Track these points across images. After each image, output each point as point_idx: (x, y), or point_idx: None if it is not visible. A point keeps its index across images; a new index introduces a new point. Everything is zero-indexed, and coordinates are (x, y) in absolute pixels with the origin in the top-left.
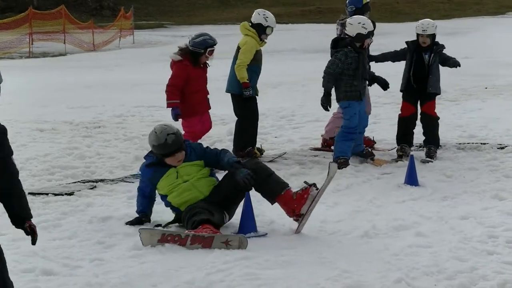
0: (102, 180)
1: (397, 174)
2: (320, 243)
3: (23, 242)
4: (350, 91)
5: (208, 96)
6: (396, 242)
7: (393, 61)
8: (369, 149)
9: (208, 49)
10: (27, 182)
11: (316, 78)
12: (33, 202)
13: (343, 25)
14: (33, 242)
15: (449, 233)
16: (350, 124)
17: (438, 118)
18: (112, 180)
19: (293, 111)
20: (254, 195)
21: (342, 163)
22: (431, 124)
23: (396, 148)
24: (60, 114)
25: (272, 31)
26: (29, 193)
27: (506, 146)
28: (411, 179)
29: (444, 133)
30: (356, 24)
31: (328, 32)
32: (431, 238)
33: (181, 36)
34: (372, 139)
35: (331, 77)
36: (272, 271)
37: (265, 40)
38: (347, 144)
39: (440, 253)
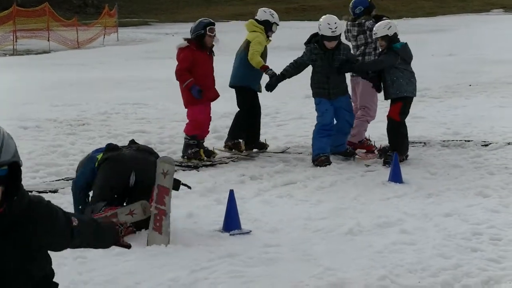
0: None
1: (381, 171)
2: (304, 240)
3: None
4: (318, 87)
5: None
6: (380, 239)
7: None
8: (352, 149)
9: (207, 27)
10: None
11: (300, 75)
12: None
13: (360, 25)
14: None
15: (433, 230)
16: (323, 121)
17: (399, 122)
18: None
19: (277, 108)
20: (238, 192)
21: (322, 161)
22: (390, 127)
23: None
24: (44, 112)
25: (276, 28)
26: None
27: (490, 143)
28: (395, 176)
29: (429, 130)
30: (325, 24)
31: (312, 29)
32: (415, 235)
33: (165, 33)
34: (373, 144)
35: (293, 65)
36: (256, 269)
37: (270, 37)
38: (324, 140)
39: (424, 250)
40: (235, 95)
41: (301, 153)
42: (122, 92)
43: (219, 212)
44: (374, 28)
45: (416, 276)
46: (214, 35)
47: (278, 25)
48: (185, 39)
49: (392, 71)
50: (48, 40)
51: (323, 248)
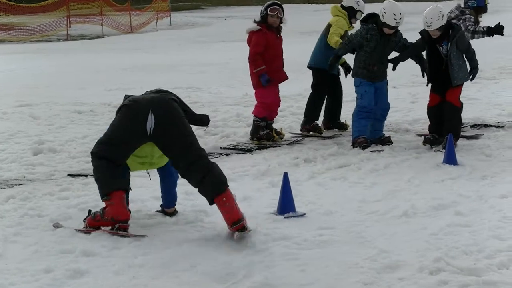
0: None
1: (436, 153)
2: (358, 223)
3: (63, 223)
4: (362, 68)
5: None
6: (435, 221)
7: (417, 54)
8: (388, 137)
9: (269, 8)
10: (66, 164)
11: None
12: (72, 184)
13: (462, 12)
14: None
15: (489, 212)
16: (362, 103)
17: (460, 108)
18: None
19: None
20: (292, 175)
21: (361, 142)
22: (451, 113)
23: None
24: (98, 96)
25: (361, 16)
26: (68, 175)
27: None
28: (450, 158)
29: (483, 112)
30: (391, 14)
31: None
32: (470, 217)
33: (218, 17)
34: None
35: (346, 45)
36: (311, 251)
37: (353, 24)
38: (362, 123)
39: (479, 232)
40: (312, 76)
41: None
42: (175, 76)
43: (273, 195)
44: (426, 19)
45: (471, 258)
46: (277, 15)
47: (363, 13)
48: (255, 22)
49: (460, 56)
50: (102, 25)
51: (377, 231)
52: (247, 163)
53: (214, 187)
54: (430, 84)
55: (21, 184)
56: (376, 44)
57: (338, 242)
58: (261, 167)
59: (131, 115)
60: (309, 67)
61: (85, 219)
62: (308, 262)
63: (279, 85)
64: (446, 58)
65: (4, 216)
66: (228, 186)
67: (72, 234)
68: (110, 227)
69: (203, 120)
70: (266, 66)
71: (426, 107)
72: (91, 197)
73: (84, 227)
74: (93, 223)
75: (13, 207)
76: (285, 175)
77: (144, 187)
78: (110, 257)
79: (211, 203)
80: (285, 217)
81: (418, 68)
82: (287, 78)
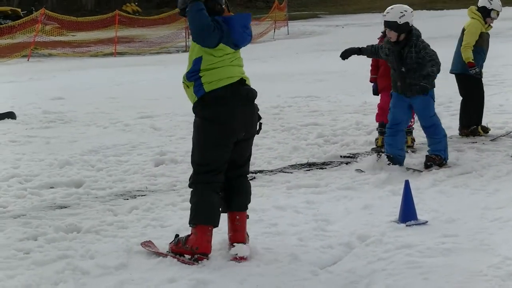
0: (261, 171)
1: None
2: (482, 230)
3: (185, 233)
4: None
5: None
6: None
7: None
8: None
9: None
10: (187, 174)
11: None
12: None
13: None
14: None
15: None
16: (388, 117)
17: None
18: (271, 171)
19: (450, 97)
20: (413, 183)
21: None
22: None
23: None
24: None
25: (497, 14)
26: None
27: None
28: None
29: None
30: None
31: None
32: None
33: (335, 25)
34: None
35: (369, 48)
36: (434, 259)
37: (490, 24)
38: (385, 140)
39: None
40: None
41: (475, 142)
42: (294, 85)
43: (395, 203)
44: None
45: None
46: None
47: (498, 11)
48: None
49: None
50: None
51: (501, 238)
52: (367, 172)
53: (234, 203)
54: None
55: (144, 195)
56: (387, 56)
57: (461, 250)
58: (382, 175)
59: None
60: (451, 72)
61: (171, 242)
62: (431, 270)
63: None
64: None
65: (128, 226)
66: (247, 208)
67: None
68: (189, 256)
69: None
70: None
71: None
72: None
73: (167, 251)
74: (175, 249)
75: (137, 217)
76: (407, 183)
77: (264, 197)
78: (235, 266)
79: (223, 212)
80: (407, 225)
81: None
82: None
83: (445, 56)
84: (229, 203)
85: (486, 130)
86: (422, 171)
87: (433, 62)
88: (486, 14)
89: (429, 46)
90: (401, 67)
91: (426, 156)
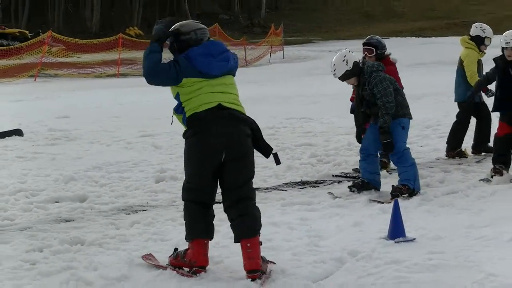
0: (256, 189)
1: None
2: (466, 247)
3: (184, 247)
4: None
5: None
6: None
7: (490, 84)
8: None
9: None
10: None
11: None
12: None
13: None
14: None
15: None
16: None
17: None
18: (266, 189)
19: (438, 120)
20: (401, 202)
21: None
22: None
23: (490, 168)
24: None
25: (490, 41)
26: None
27: None
28: None
29: None
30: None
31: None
32: None
33: (328, 51)
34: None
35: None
36: (421, 275)
37: (484, 50)
38: (359, 165)
39: None
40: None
41: (461, 163)
42: (289, 107)
43: (384, 220)
44: (506, 36)
45: None
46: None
47: (491, 38)
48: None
49: None
50: None
51: (485, 255)
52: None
53: (241, 230)
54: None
55: (145, 210)
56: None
57: (447, 266)
58: (372, 195)
59: None
60: (455, 101)
61: (171, 255)
62: (418, 285)
63: None
64: None
65: (130, 240)
66: (259, 234)
67: None
68: (188, 269)
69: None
70: None
71: None
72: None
73: (167, 264)
74: (174, 262)
75: (138, 231)
76: (395, 202)
77: None
78: (231, 278)
79: (236, 241)
80: (395, 242)
81: None
82: None
83: (433, 81)
84: (237, 231)
85: (491, 150)
86: (383, 203)
87: (383, 108)
88: (480, 42)
89: (383, 79)
90: (360, 108)
91: (393, 186)
